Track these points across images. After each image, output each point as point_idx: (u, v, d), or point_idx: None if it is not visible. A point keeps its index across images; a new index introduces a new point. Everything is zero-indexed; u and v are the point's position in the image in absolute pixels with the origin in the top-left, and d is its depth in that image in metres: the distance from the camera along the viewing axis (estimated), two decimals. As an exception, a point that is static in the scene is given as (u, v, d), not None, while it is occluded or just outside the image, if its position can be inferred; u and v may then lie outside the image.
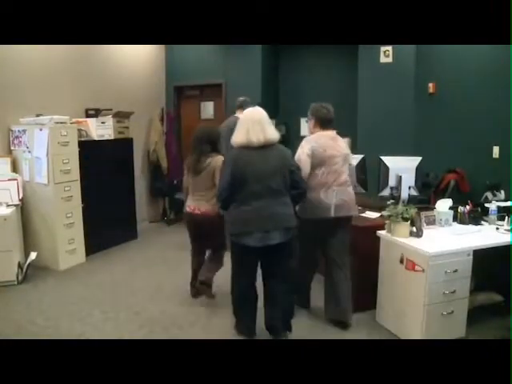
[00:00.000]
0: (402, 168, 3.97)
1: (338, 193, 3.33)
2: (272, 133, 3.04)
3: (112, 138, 5.47)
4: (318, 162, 3.31)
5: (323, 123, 3.47)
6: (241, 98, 5.36)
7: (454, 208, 3.65)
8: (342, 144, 3.50)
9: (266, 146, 2.98)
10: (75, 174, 4.85)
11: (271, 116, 6.06)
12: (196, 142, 3.89)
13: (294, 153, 3.36)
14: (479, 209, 3.70)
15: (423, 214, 3.47)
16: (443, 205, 3.62)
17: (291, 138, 7.04)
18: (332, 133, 3.49)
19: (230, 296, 3.35)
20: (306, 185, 3.22)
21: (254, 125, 2.99)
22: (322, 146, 3.34)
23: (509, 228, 3.42)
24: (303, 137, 5.90)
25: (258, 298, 3.27)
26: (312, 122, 3.52)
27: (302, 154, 3.32)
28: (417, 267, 3.05)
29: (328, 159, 3.33)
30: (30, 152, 4.66)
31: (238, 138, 3.04)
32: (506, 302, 3.57)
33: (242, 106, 4.87)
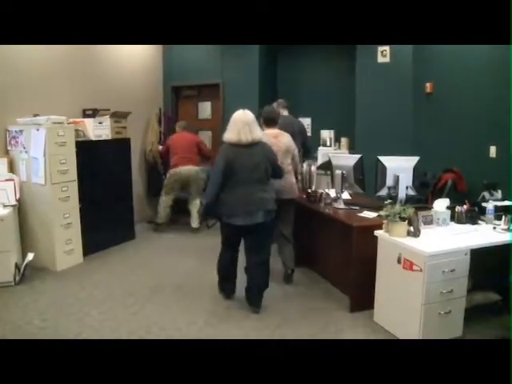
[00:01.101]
0: (400, 168, 3.98)
1: (277, 180, 3.95)
2: (257, 133, 3.64)
3: (109, 138, 5.45)
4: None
5: (267, 123, 4.32)
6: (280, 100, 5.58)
7: (451, 208, 3.66)
8: (284, 140, 4.25)
9: (252, 144, 3.59)
10: (72, 174, 4.84)
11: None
12: None
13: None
14: (476, 208, 3.71)
15: (421, 213, 3.47)
16: (440, 204, 3.63)
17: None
18: (274, 131, 4.28)
19: (225, 301, 3.80)
20: (283, 170, 3.95)
21: (244, 126, 3.59)
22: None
23: (506, 227, 3.43)
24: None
25: (236, 269, 4.02)
26: (261, 122, 4.27)
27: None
28: (414, 267, 3.05)
29: None
30: (26, 152, 4.65)
31: (230, 136, 3.63)
32: (503, 301, 3.58)
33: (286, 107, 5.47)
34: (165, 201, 6.33)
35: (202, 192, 6.15)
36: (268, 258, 3.89)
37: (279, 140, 4.20)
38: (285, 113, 5.48)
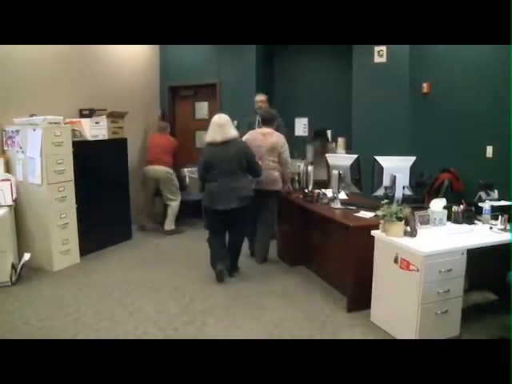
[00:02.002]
0: (397, 168, 3.98)
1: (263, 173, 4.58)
2: (230, 133, 4.29)
3: (106, 138, 5.45)
4: None
5: (263, 122, 4.93)
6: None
7: (447, 207, 3.66)
8: (271, 139, 4.75)
9: (226, 142, 4.24)
10: (69, 174, 4.83)
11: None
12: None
13: (290, 151, 4.96)
14: (473, 208, 3.72)
15: (417, 213, 3.48)
16: (437, 204, 3.63)
17: (286, 138, 7.05)
18: (265, 129, 4.83)
19: (225, 298, 3.76)
20: (260, 167, 4.50)
21: (217, 128, 4.28)
22: (251, 139, 4.71)
23: (502, 227, 3.43)
24: (298, 136, 6.08)
25: (225, 247, 4.55)
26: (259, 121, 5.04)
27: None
28: (411, 267, 3.06)
29: (255, 148, 4.56)
30: (23, 152, 4.63)
31: (207, 137, 4.37)
32: (499, 301, 3.59)
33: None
34: (142, 198, 6.41)
35: (175, 193, 6.24)
36: (240, 239, 4.62)
37: (266, 138, 4.75)
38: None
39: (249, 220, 4.60)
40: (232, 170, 4.22)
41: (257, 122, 5.35)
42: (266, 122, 4.89)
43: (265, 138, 4.74)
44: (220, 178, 4.23)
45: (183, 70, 7.02)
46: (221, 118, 4.34)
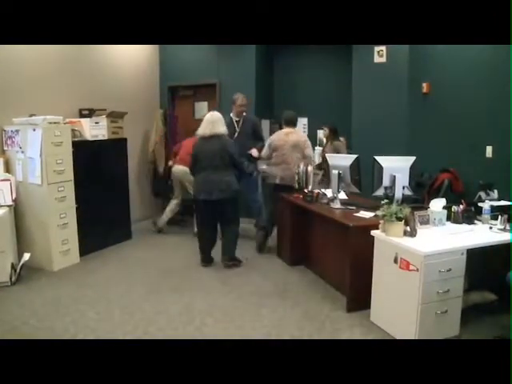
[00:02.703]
0: (396, 168, 3.98)
1: (283, 169, 5.12)
2: (219, 129, 4.67)
3: (106, 138, 5.45)
4: (273, 148, 5.22)
5: (285, 123, 5.33)
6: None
7: (447, 207, 3.66)
8: (292, 137, 5.17)
9: (213, 137, 4.64)
10: (69, 174, 4.83)
11: (265, 117, 6.13)
12: None
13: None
14: (473, 208, 3.72)
15: (417, 213, 3.48)
16: (437, 204, 3.63)
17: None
18: (288, 129, 5.27)
19: (224, 298, 3.79)
20: (243, 165, 4.87)
21: (208, 124, 4.69)
22: (276, 139, 5.23)
23: (502, 227, 3.43)
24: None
25: (215, 238, 4.94)
26: (282, 122, 5.41)
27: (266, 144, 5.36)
28: (411, 266, 3.06)
29: (279, 147, 5.15)
30: (23, 152, 4.63)
31: (198, 131, 4.77)
32: (499, 301, 3.59)
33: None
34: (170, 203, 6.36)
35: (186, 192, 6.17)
36: (229, 228, 4.85)
37: (288, 137, 5.17)
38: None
39: (237, 212, 4.94)
40: (215, 164, 4.60)
41: (235, 124, 5.61)
42: (289, 122, 5.32)
43: (287, 137, 5.17)
44: (204, 170, 4.64)
45: (183, 69, 7.02)
46: (213, 116, 4.76)
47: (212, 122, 4.70)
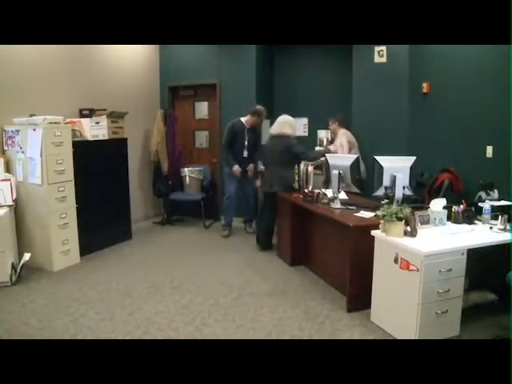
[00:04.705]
0: (396, 168, 3.98)
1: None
2: (286, 130, 5.23)
3: (106, 138, 5.45)
4: (351, 146, 5.71)
5: (341, 124, 5.92)
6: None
7: (447, 207, 3.66)
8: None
9: (279, 136, 5.23)
10: (69, 174, 4.83)
11: (266, 116, 6.14)
12: None
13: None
14: (473, 208, 3.72)
15: (417, 213, 3.48)
16: (437, 204, 3.63)
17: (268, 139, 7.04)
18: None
19: (224, 298, 3.69)
20: (308, 159, 5.30)
21: (277, 124, 5.30)
22: (351, 136, 5.81)
23: (502, 227, 3.43)
24: (298, 136, 6.10)
25: (272, 227, 5.49)
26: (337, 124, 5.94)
27: (343, 142, 5.69)
28: (411, 266, 3.06)
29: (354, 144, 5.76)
30: (23, 152, 4.63)
31: (270, 129, 5.49)
32: (499, 301, 3.59)
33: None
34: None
35: None
36: (270, 217, 5.39)
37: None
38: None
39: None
40: (278, 161, 5.16)
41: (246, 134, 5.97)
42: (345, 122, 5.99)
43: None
44: (269, 165, 5.34)
45: (183, 70, 7.02)
46: (283, 118, 5.34)
47: (281, 123, 5.25)
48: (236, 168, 5.91)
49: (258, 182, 6.08)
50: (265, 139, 6.19)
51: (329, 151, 5.46)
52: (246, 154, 5.98)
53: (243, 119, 5.97)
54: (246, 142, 5.96)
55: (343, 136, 5.72)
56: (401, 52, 5.61)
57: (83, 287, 4.28)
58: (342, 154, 5.40)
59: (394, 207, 3.32)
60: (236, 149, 5.98)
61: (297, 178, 5.14)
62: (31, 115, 4.69)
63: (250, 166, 6.05)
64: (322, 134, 6.50)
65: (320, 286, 4.32)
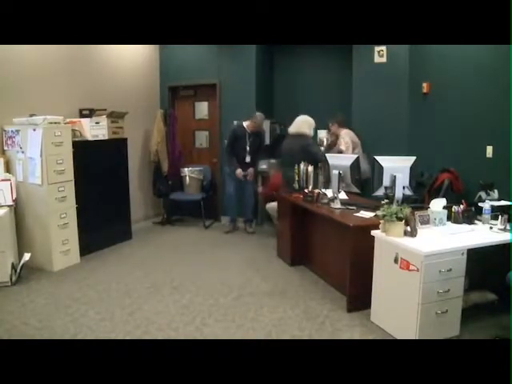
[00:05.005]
0: (396, 168, 3.98)
1: None
2: (303, 129, 5.22)
3: (106, 138, 5.44)
4: (354, 145, 5.70)
5: (342, 123, 5.88)
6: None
7: (447, 207, 3.66)
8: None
9: (296, 136, 5.23)
10: (69, 174, 4.83)
11: (266, 116, 6.14)
12: None
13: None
14: (473, 208, 3.72)
15: (417, 213, 3.48)
16: (437, 204, 3.63)
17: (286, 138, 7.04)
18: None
19: (224, 298, 3.60)
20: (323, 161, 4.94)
21: (295, 123, 5.30)
22: (354, 136, 5.80)
23: (502, 227, 3.43)
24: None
25: None
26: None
27: (348, 141, 5.68)
28: (411, 266, 3.06)
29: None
30: (23, 152, 4.63)
31: (289, 129, 5.41)
32: (499, 301, 3.59)
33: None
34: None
35: None
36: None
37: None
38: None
39: None
40: (295, 161, 5.01)
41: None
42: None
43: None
44: (286, 166, 5.22)
45: (183, 70, 7.02)
46: (302, 117, 5.32)
47: (299, 122, 5.25)
48: (239, 172, 6.00)
49: (261, 189, 6.12)
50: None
51: (341, 152, 5.49)
52: (248, 158, 6.07)
53: (245, 123, 6.02)
54: (248, 147, 6.01)
55: (346, 136, 5.71)
56: (401, 52, 5.61)
57: (83, 287, 4.28)
58: (349, 153, 5.40)
59: (394, 207, 3.32)
60: (238, 152, 6.05)
61: (297, 178, 5.13)
62: (31, 115, 4.69)
63: (250, 170, 6.10)
64: (322, 134, 6.49)
65: (320, 286, 4.32)
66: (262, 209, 6.39)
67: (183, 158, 7.07)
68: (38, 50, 5.03)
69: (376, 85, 5.83)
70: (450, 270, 3.04)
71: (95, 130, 5.36)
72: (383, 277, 3.39)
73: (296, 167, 5.00)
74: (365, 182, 4.94)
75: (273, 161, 6.62)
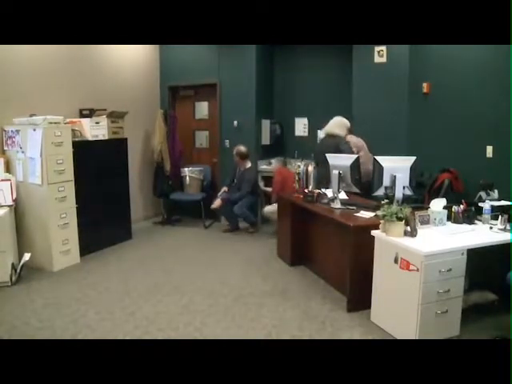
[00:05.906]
0: (397, 168, 3.98)
1: None
2: (334, 130, 5.17)
3: (106, 138, 5.45)
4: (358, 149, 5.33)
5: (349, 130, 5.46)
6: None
7: (447, 207, 3.66)
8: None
9: (330, 136, 5.19)
10: (69, 174, 4.83)
11: (266, 117, 6.12)
12: None
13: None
14: (473, 208, 3.71)
15: (417, 213, 3.48)
16: (437, 204, 3.63)
17: (286, 138, 7.05)
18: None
19: (224, 298, 3.51)
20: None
21: (328, 124, 5.24)
22: (356, 141, 5.39)
23: (502, 227, 3.43)
24: (298, 136, 6.10)
25: None
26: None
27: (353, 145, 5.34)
28: (411, 266, 3.06)
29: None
30: (23, 152, 4.64)
31: (323, 130, 5.43)
32: (499, 301, 3.59)
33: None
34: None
35: None
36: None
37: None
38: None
39: None
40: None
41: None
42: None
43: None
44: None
45: (183, 69, 7.02)
46: (336, 118, 5.29)
47: (331, 123, 5.25)
48: (219, 194, 6.45)
49: (270, 190, 6.28)
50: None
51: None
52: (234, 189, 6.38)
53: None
54: (236, 180, 6.43)
55: (349, 142, 5.67)
56: (401, 52, 5.61)
57: (83, 287, 4.28)
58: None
59: (394, 207, 3.32)
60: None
61: (297, 178, 5.13)
62: (31, 115, 4.70)
63: (217, 201, 6.33)
64: (322, 135, 6.50)
65: (320, 286, 4.32)
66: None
67: (183, 158, 7.07)
68: (38, 49, 5.03)
69: (376, 85, 5.82)
70: (450, 270, 3.04)
71: (95, 129, 5.36)
72: (383, 277, 3.39)
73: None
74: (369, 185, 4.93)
75: (273, 160, 6.63)
